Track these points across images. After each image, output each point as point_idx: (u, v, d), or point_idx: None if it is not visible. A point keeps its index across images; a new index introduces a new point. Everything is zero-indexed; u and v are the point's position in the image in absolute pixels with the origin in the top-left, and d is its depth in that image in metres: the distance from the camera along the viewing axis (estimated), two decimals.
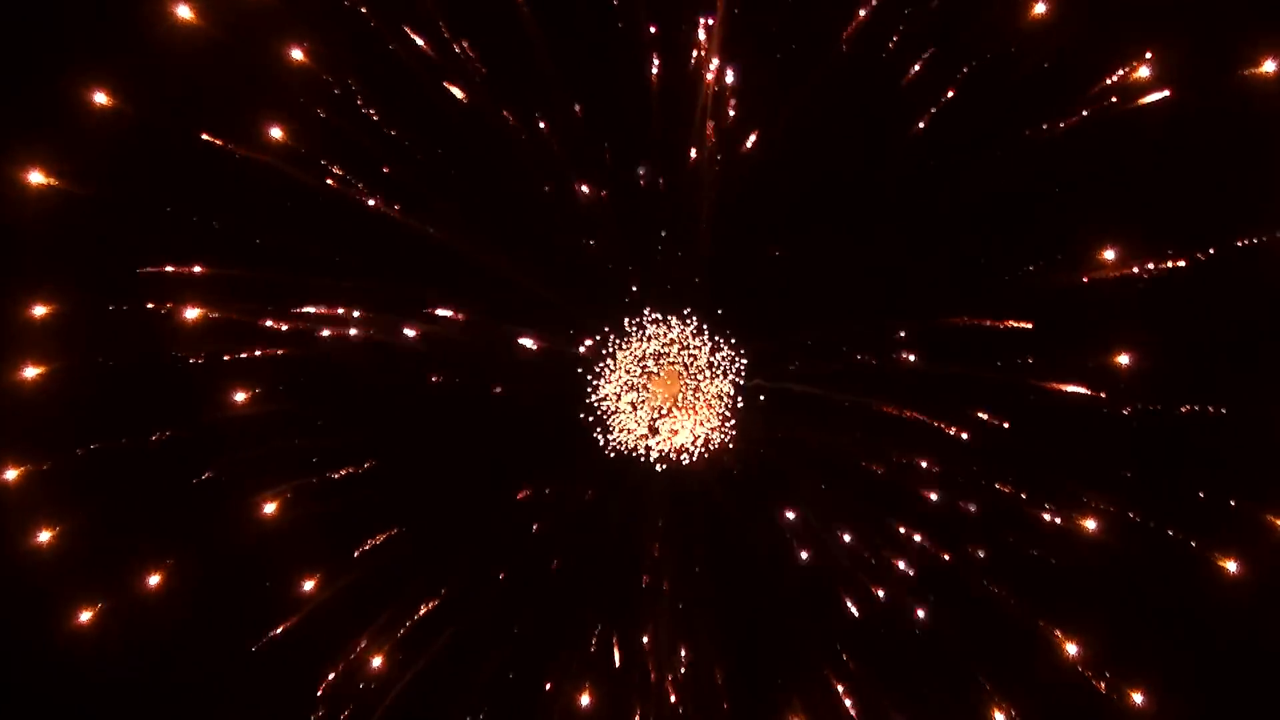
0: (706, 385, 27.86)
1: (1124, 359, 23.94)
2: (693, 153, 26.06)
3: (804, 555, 26.70)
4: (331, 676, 25.86)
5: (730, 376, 27.81)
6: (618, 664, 26.46)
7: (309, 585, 25.82)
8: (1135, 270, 23.60)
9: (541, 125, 25.79)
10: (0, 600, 24.44)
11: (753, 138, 25.86)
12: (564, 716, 25.95)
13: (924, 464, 26.15)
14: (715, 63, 24.79)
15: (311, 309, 25.95)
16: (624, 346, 28.00)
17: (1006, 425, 25.22)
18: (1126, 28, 22.98)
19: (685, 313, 27.99)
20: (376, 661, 26.03)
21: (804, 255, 26.56)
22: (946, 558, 25.77)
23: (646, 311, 28.02)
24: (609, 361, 27.96)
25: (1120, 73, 23.05)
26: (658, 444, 27.88)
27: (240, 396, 25.76)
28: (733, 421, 27.79)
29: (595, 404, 27.86)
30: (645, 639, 26.53)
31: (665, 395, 27.95)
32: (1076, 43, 23.31)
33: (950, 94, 24.48)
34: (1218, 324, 23.50)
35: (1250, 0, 22.66)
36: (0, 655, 24.78)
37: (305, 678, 25.72)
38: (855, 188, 25.54)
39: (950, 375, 25.51)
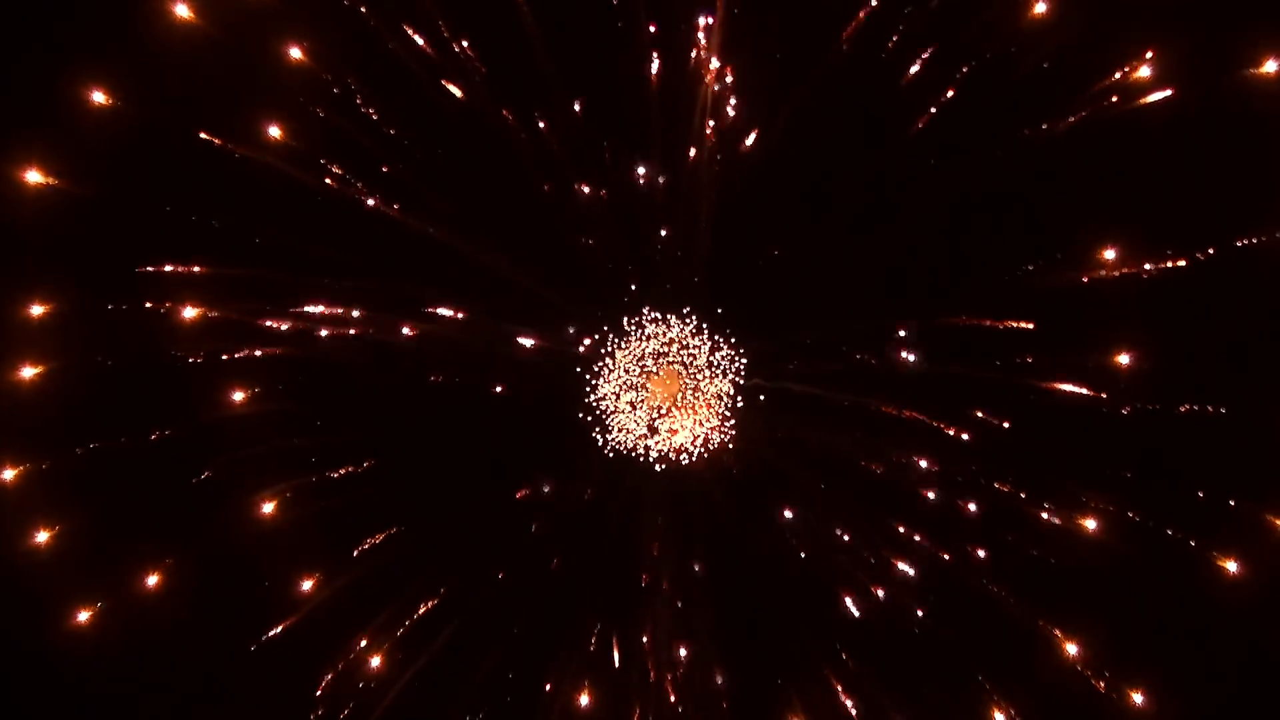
0: (706, 385, 27.83)
1: (1124, 359, 23.92)
2: (692, 152, 26.03)
3: (804, 555, 26.73)
4: (331, 676, 25.80)
5: (730, 376, 27.79)
6: (617, 664, 26.46)
7: (308, 585, 25.80)
8: (1135, 270, 23.56)
9: (541, 124, 25.77)
10: None
11: (752, 137, 25.83)
12: (563, 716, 25.95)
13: (924, 464, 26.12)
14: (715, 62, 24.77)
15: (310, 308, 25.93)
16: (623, 346, 27.97)
17: (1006, 425, 25.22)
18: (1127, 27, 22.94)
19: (685, 312, 27.96)
20: (376, 661, 26.01)
21: (804, 255, 26.56)
22: (946, 557, 25.76)
23: (646, 311, 28.00)
24: (608, 361, 27.93)
25: (1121, 72, 23.00)
26: (657, 444, 27.86)
27: (239, 396, 25.74)
28: (732, 421, 27.80)
29: (594, 404, 27.83)
30: (644, 639, 26.52)
31: (664, 395, 27.92)
32: (1077, 42, 23.26)
33: (950, 93, 24.44)
34: (1218, 324, 23.45)
35: (1251, 0, 22.61)
36: None
37: (304, 677, 25.68)
38: (855, 187, 25.49)
39: (950, 375, 25.49)
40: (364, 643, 26.05)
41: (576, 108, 25.65)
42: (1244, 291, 22.96)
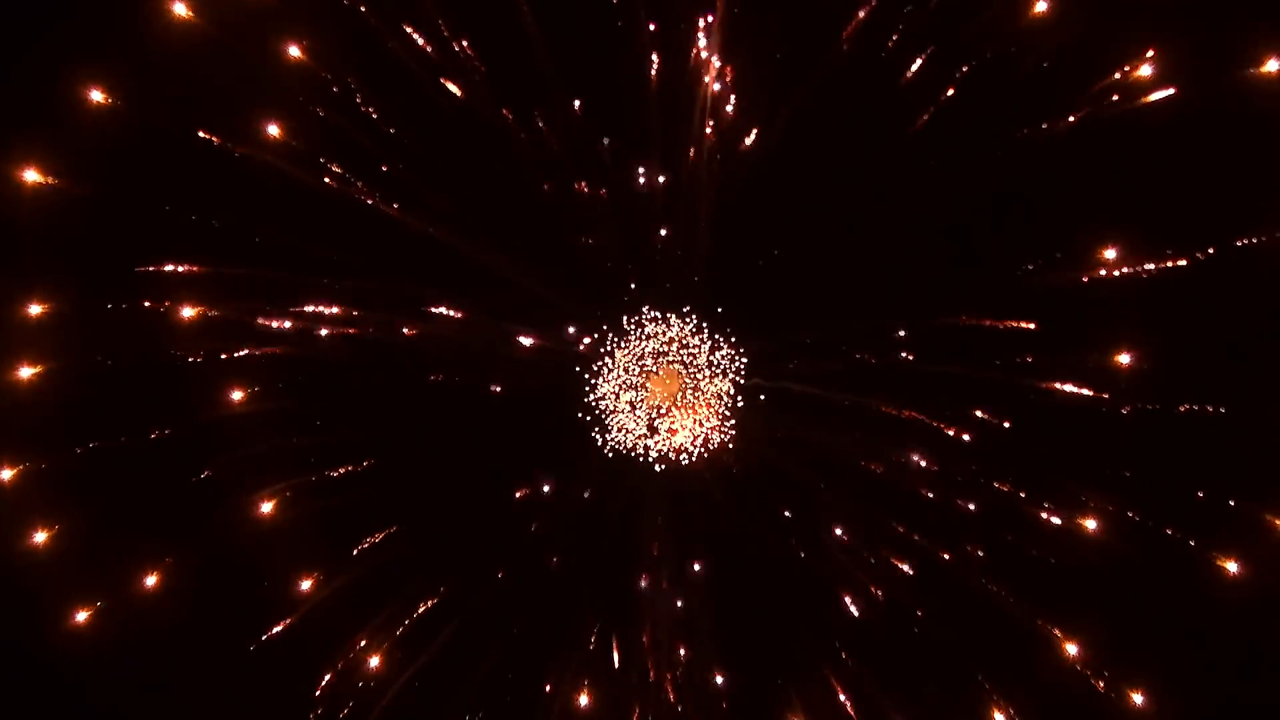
0: (706, 384, 27.80)
1: (1124, 358, 23.90)
2: (692, 152, 25.99)
3: (803, 555, 26.72)
4: (330, 676, 25.78)
5: (730, 376, 27.76)
6: (616, 664, 26.45)
7: (307, 584, 25.76)
8: (1135, 270, 23.54)
9: (540, 124, 25.72)
10: None
11: (752, 136, 25.79)
12: (563, 716, 25.94)
13: (923, 463, 26.10)
14: (715, 61, 24.73)
15: (309, 307, 25.88)
16: (623, 345, 27.93)
17: (1006, 425, 25.21)
18: (1127, 26, 22.90)
19: (684, 311, 27.93)
20: (375, 661, 25.99)
21: (803, 254, 26.53)
22: (946, 557, 25.75)
23: (645, 310, 27.97)
24: (608, 360, 27.90)
25: (1121, 72, 22.97)
26: (657, 444, 27.83)
27: (238, 395, 25.70)
28: (732, 421, 27.77)
29: (594, 403, 27.80)
30: (644, 639, 26.51)
31: (664, 394, 27.89)
32: (1077, 41, 23.22)
33: (950, 93, 24.42)
34: (1218, 324, 23.43)
35: None
36: None
37: (304, 677, 25.66)
38: (855, 187, 25.46)
39: (950, 375, 25.46)
40: (363, 642, 26.01)
41: (576, 107, 25.61)
42: (1244, 291, 22.92)
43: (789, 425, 27.34)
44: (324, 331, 26.13)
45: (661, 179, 26.54)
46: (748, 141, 25.83)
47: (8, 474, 24.11)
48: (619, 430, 27.82)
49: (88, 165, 23.62)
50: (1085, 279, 23.98)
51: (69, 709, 24.91)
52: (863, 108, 25.13)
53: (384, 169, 25.37)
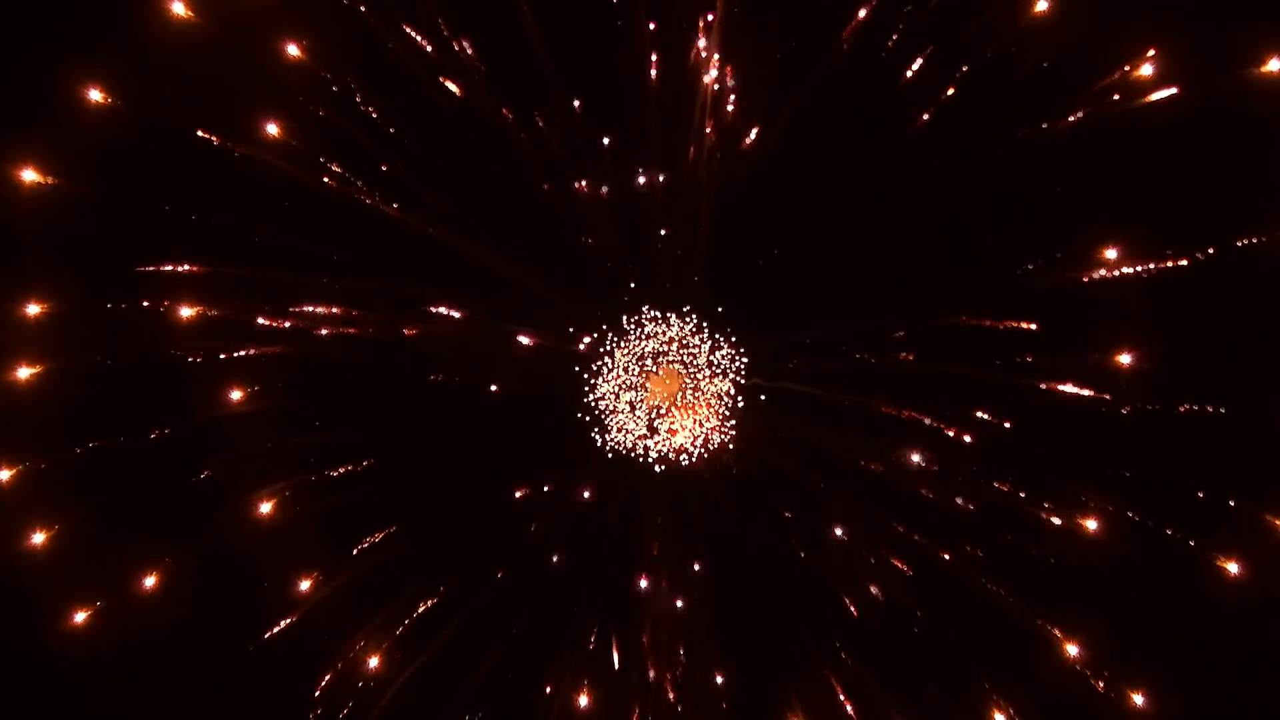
0: (706, 384, 27.78)
1: (1125, 358, 23.89)
2: (692, 151, 25.96)
3: (803, 555, 26.72)
4: (329, 676, 25.75)
5: (730, 376, 27.74)
6: (616, 664, 26.43)
7: (306, 584, 25.72)
8: (1136, 270, 23.53)
9: (540, 123, 25.68)
10: None
11: (752, 135, 25.77)
12: (562, 716, 25.92)
13: (924, 464, 26.08)
14: (715, 60, 24.70)
15: (309, 307, 25.84)
16: (623, 345, 27.90)
17: (1007, 425, 25.20)
18: (1128, 26, 22.88)
19: (684, 311, 27.90)
20: (374, 661, 25.97)
21: (803, 254, 26.52)
22: (946, 557, 25.74)
23: (645, 310, 27.94)
24: (607, 360, 27.87)
25: (1122, 71, 22.95)
26: (657, 444, 27.81)
27: (237, 395, 25.67)
28: (732, 421, 27.75)
29: (593, 403, 27.77)
30: (644, 639, 26.49)
31: (664, 395, 27.86)
32: (1077, 41, 23.21)
33: (950, 92, 24.40)
34: (1218, 324, 23.41)
35: None
36: None
37: (303, 677, 25.63)
38: (855, 186, 25.44)
39: (950, 375, 25.45)
40: (363, 642, 25.97)
41: (576, 107, 25.58)
42: (1245, 291, 22.91)
43: (789, 425, 27.34)
44: (324, 331, 26.10)
45: (661, 178, 26.52)
46: (748, 141, 25.81)
47: (6, 474, 24.04)
48: (619, 430, 27.80)
49: (87, 165, 23.58)
50: (1085, 279, 23.97)
51: (68, 709, 24.85)
52: (863, 107, 25.13)
53: (384, 169, 25.35)
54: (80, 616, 24.25)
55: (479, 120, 25.50)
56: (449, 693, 26.08)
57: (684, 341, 27.87)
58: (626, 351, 27.90)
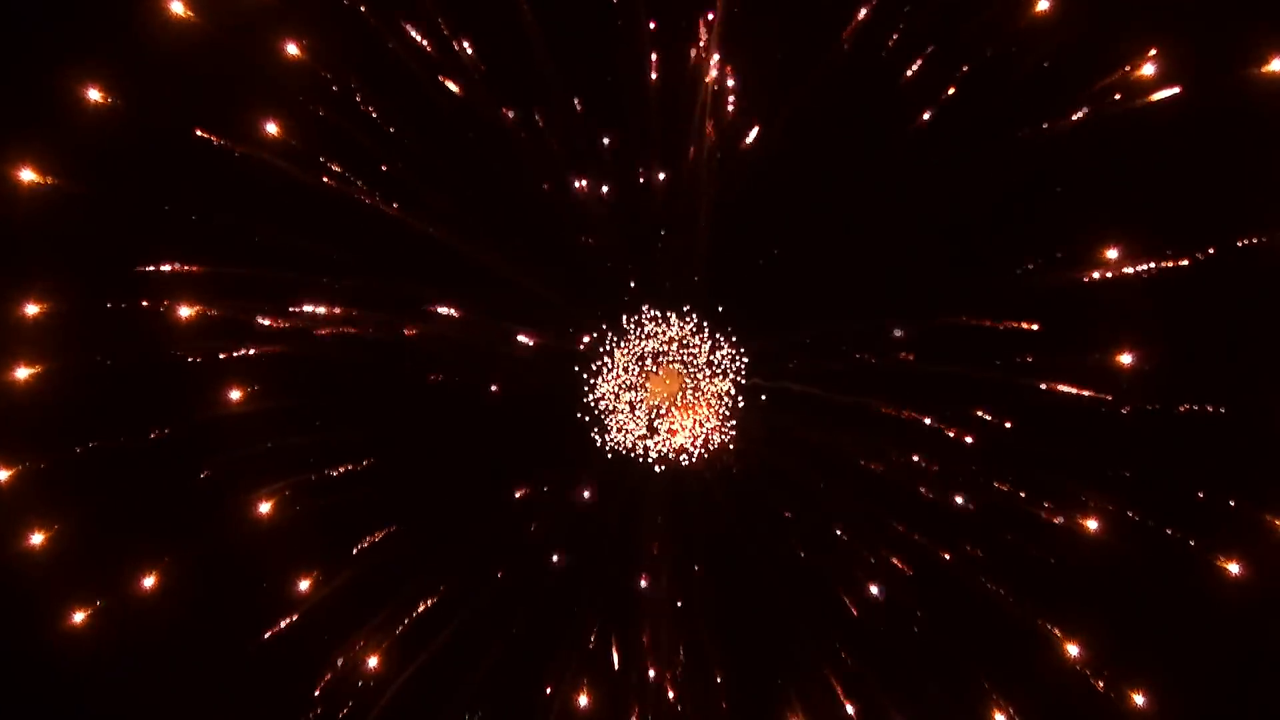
0: (706, 384, 27.75)
1: (1125, 358, 23.89)
2: (692, 150, 25.93)
3: (803, 555, 26.71)
4: (329, 676, 25.74)
5: (730, 376, 27.71)
6: (616, 664, 26.42)
7: (305, 584, 25.69)
8: (1137, 270, 23.52)
9: (540, 122, 25.64)
10: None
11: (752, 135, 25.74)
12: (562, 716, 25.91)
13: (924, 463, 26.08)
14: (715, 59, 24.67)
15: (309, 307, 25.80)
16: (623, 345, 27.87)
17: (1008, 425, 25.20)
18: (1129, 25, 22.86)
19: (685, 310, 27.87)
20: (374, 660, 25.94)
21: (803, 254, 26.50)
22: (946, 557, 25.75)
23: (645, 309, 27.91)
24: (607, 360, 27.84)
25: (1123, 71, 22.94)
26: (656, 444, 27.78)
27: (236, 394, 25.62)
28: (732, 421, 27.73)
29: (593, 403, 27.75)
30: (644, 639, 26.48)
31: (664, 394, 27.83)
32: (1078, 41, 23.20)
33: (951, 92, 24.38)
34: (1218, 324, 23.42)
35: None
36: None
37: (302, 677, 25.61)
38: (856, 186, 25.42)
39: (951, 375, 25.44)
40: (362, 642, 25.96)
41: (576, 106, 25.54)
42: (1246, 291, 22.91)
43: (789, 425, 27.32)
44: (323, 331, 26.05)
45: (662, 177, 26.48)
46: (748, 141, 25.79)
47: (5, 474, 23.97)
48: (619, 430, 27.77)
49: (86, 164, 23.52)
50: (1086, 279, 23.97)
51: (67, 709, 24.82)
52: (863, 107, 25.10)
53: (384, 168, 25.31)
54: (79, 616, 24.20)
55: (479, 120, 25.46)
56: (449, 692, 26.07)
57: (684, 341, 27.84)
58: (626, 351, 27.87)
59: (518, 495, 27.55)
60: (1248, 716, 23.49)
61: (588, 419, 27.75)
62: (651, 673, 26.22)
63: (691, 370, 27.80)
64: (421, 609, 26.38)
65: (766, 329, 27.45)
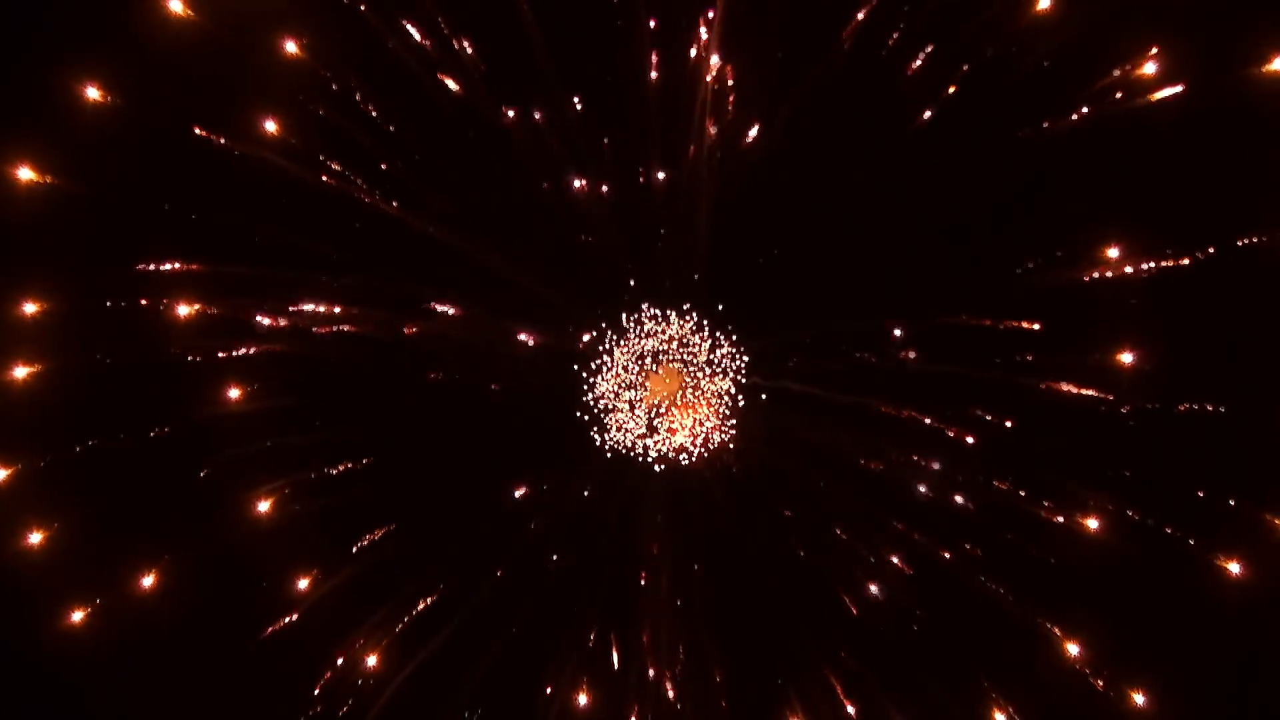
0: (706, 383, 27.73)
1: (1125, 358, 23.87)
2: (692, 149, 25.90)
3: (803, 555, 26.70)
4: (328, 674, 25.74)
5: (730, 375, 27.68)
6: (616, 663, 26.42)
7: (305, 583, 25.69)
8: (1137, 269, 23.50)
9: (540, 121, 25.59)
10: None
11: (753, 133, 25.71)
12: (562, 715, 25.92)
13: (924, 463, 26.08)
14: (715, 58, 24.63)
15: (308, 305, 25.78)
16: (622, 344, 27.84)
17: (1008, 425, 25.20)
18: (1130, 25, 22.82)
19: (684, 309, 27.84)
20: (373, 659, 25.94)
21: (804, 253, 26.47)
22: (946, 556, 25.75)
23: (645, 308, 27.87)
24: (607, 359, 27.81)
25: (1124, 70, 22.90)
26: (656, 443, 27.76)
27: (236, 393, 25.60)
28: (732, 420, 27.71)
29: (593, 402, 27.72)
30: (644, 638, 26.48)
31: (664, 393, 27.81)
32: (1079, 40, 23.16)
33: (951, 91, 24.35)
34: (1219, 324, 23.40)
35: None
36: None
37: (302, 675, 25.61)
38: (856, 186, 25.39)
39: (951, 375, 25.43)
40: (361, 641, 25.95)
41: (576, 104, 25.49)
42: (1246, 291, 22.89)
43: (789, 425, 27.30)
44: (322, 329, 26.02)
45: (661, 176, 26.45)
46: (748, 140, 25.75)
47: (4, 473, 23.93)
48: (618, 429, 27.74)
49: (84, 163, 23.47)
50: (1086, 278, 23.95)
51: (66, 709, 24.81)
52: (863, 106, 25.07)
53: (383, 167, 25.27)
54: (78, 615, 24.18)
55: (479, 119, 25.41)
56: (448, 691, 26.07)
57: (684, 340, 27.80)
58: (626, 350, 27.84)
59: (517, 494, 27.52)
60: (1248, 716, 23.50)
61: (587, 418, 27.73)
62: (651, 672, 26.21)
63: (691, 369, 27.78)
64: (421, 608, 26.40)
65: (766, 328, 27.43)
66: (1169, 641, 23.35)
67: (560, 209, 26.59)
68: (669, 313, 27.83)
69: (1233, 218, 22.61)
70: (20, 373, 23.91)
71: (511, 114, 25.48)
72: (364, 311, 26.12)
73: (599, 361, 27.79)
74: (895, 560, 26.07)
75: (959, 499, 25.85)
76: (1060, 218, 24.32)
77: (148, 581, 24.59)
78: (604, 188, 26.47)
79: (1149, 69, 22.69)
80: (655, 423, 27.79)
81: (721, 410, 27.73)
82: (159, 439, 24.91)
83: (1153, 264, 23.34)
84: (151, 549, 24.74)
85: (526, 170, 26.11)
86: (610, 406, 27.75)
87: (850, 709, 25.24)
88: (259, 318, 25.53)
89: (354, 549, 26.29)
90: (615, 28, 24.64)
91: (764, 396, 27.50)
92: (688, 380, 27.78)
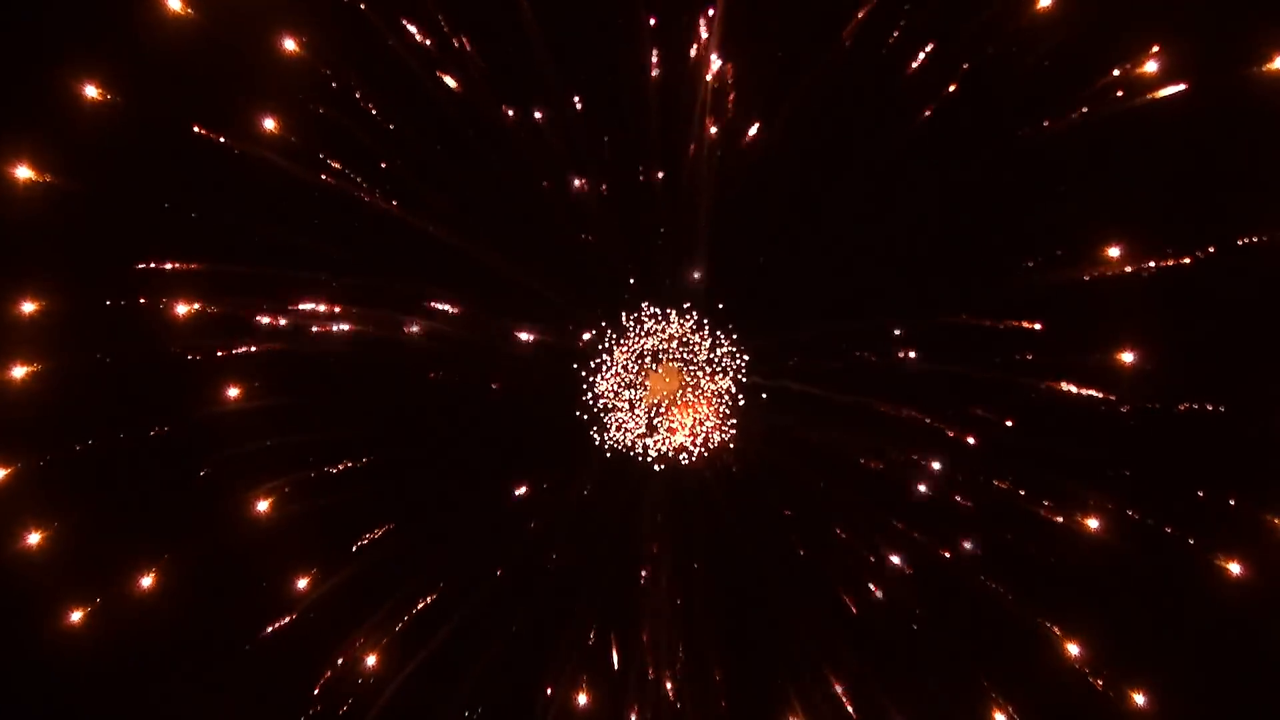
0: (706, 382, 27.71)
1: (1126, 357, 23.85)
2: (692, 148, 25.87)
3: (803, 554, 26.69)
4: (328, 674, 25.72)
5: (730, 374, 27.66)
6: (615, 662, 26.41)
7: (304, 582, 25.68)
8: (1138, 268, 23.48)
9: (540, 120, 25.55)
10: None
11: (753, 132, 25.68)
12: (561, 715, 25.91)
13: (924, 462, 26.06)
14: (715, 57, 24.60)
15: (307, 304, 25.75)
16: (622, 343, 27.82)
17: (1008, 424, 25.18)
18: (1131, 23, 22.79)
19: (684, 308, 27.82)
20: (372, 659, 25.93)
21: (804, 252, 26.45)
22: (946, 556, 25.74)
23: (645, 307, 27.86)
24: (607, 358, 27.79)
25: (1125, 69, 22.87)
26: (656, 442, 27.75)
27: (235, 392, 25.57)
28: (732, 420, 27.68)
29: (592, 401, 27.70)
30: (644, 637, 26.47)
31: (664, 393, 27.78)
32: (1080, 38, 23.12)
33: (952, 90, 24.32)
34: (1219, 323, 23.38)
35: None
36: None
37: (301, 675, 25.59)
38: (856, 184, 25.36)
39: (951, 374, 25.41)
40: (361, 640, 25.94)
41: (576, 102, 25.46)
42: (1247, 291, 22.88)
43: (789, 424, 27.29)
44: (321, 328, 25.99)
45: (661, 175, 26.42)
46: (748, 138, 25.71)
47: (3, 473, 23.89)
48: (618, 429, 27.73)
49: (83, 162, 23.41)
50: (1087, 278, 23.93)
51: (66, 708, 24.79)
52: (864, 105, 25.03)
53: (383, 165, 25.24)
54: (77, 615, 24.15)
55: (478, 116, 25.38)
56: (447, 691, 26.06)
57: (684, 339, 27.79)
58: (626, 349, 27.83)
59: (517, 493, 27.50)
60: (1248, 716, 23.50)
61: (587, 417, 27.72)
62: (651, 672, 26.20)
63: (691, 369, 27.76)
64: (420, 607, 26.39)
65: (766, 328, 27.43)
66: (1169, 641, 23.37)
67: (560, 208, 26.56)
68: (669, 312, 27.82)
69: (1233, 218, 22.58)
70: (20, 372, 23.87)
71: (511, 113, 25.44)
72: (364, 311, 26.10)
73: (599, 361, 27.79)
74: (895, 560, 26.08)
75: (959, 499, 25.83)
76: (1060, 218, 24.29)
77: (147, 581, 24.57)
78: (604, 187, 26.43)
79: (1150, 68, 22.66)
80: (655, 422, 27.78)
81: (721, 410, 27.72)
82: (158, 438, 24.89)
83: (1153, 263, 23.31)
84: (151, 549, 24.73)
85: (526, 170, 26.08)
86: (610, 406, 27.74)
87: (850, 709, 25.24)
88: (259, 317, 25.50)
89: (354, 549, 26.26)
90: (615, 27, 24.61)
91: (764, 396, 27.51)
92: (688, 379, 27.77)
